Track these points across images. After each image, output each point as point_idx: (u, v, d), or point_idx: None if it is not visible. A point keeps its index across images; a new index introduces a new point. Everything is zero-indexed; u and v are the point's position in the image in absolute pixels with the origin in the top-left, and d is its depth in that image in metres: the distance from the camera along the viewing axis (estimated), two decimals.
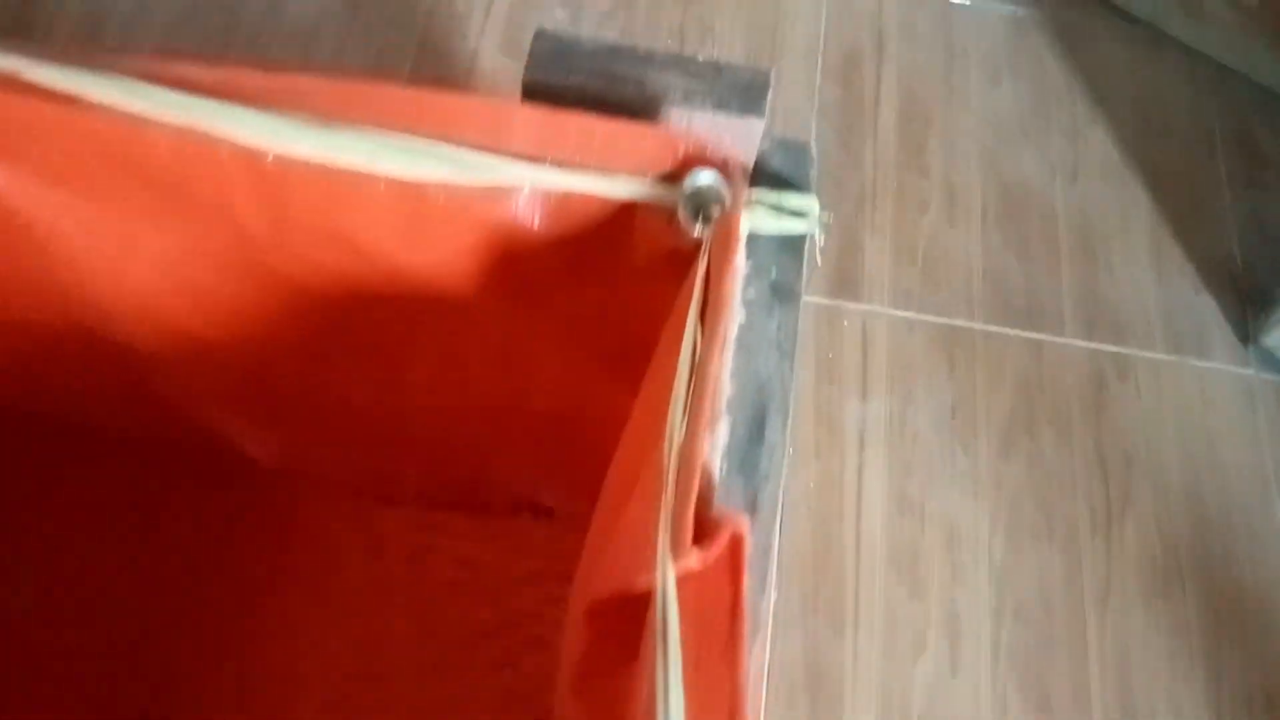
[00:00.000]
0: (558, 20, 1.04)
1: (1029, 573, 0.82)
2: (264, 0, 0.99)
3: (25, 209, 0.45)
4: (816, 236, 0.44)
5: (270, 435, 0.68)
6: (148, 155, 0.40)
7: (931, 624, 0.80)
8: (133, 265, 0.48)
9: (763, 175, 0.45)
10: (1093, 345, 0.93)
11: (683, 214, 0.38)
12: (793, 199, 0.42)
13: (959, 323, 0.93)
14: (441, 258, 0.42)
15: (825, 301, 0.94)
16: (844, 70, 1.05)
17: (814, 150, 0.46)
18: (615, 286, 0.43)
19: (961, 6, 1.11)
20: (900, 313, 0.94)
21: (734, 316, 0.37)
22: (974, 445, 0.88)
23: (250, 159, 0.39)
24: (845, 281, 0.95)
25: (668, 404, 0.34)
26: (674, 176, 0.38)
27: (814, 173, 0.45)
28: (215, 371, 0.58)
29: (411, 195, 0.40)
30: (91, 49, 0.39)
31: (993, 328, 0.93)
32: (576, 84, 0.41)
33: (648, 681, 0.32)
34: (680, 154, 0.37)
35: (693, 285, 0.37)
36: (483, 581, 0.73)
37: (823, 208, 0.45)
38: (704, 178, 0.37)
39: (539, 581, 0.72)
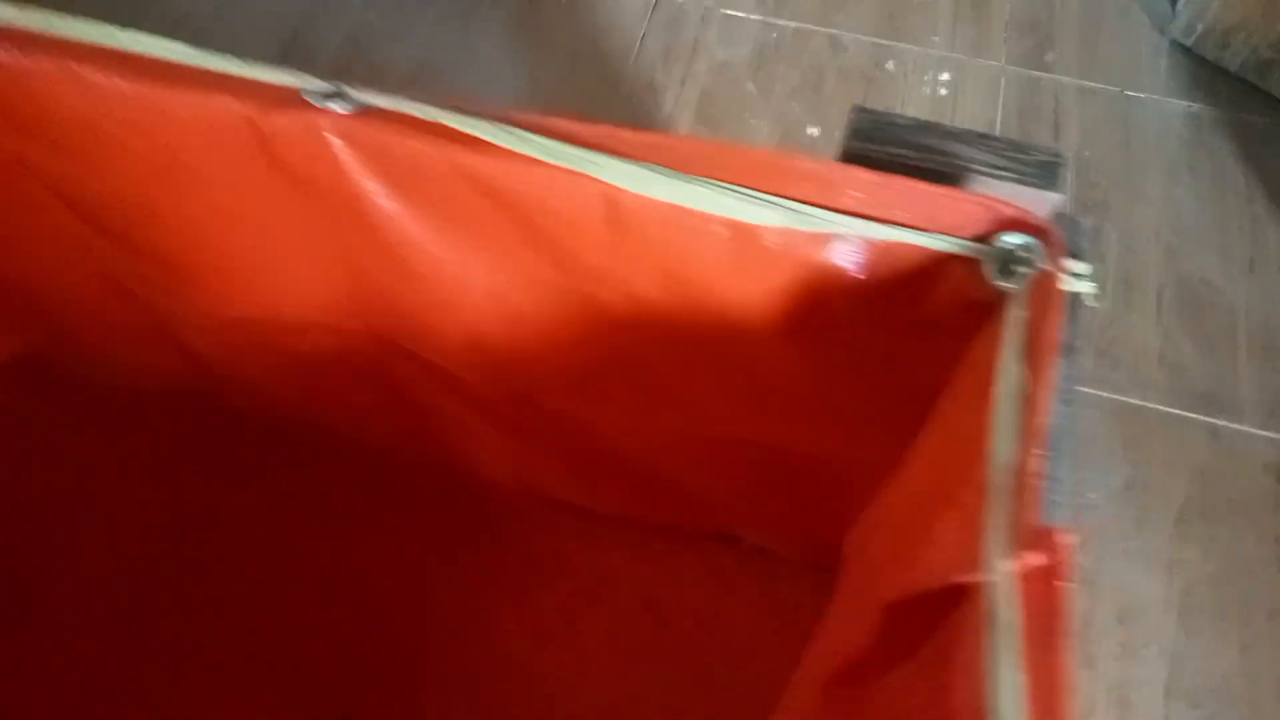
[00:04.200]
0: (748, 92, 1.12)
1: (1205, 658, 0.83)
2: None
3: (408, 234, 0.53)
4: (1091, 300, 0.49)
5: (511, 456, 0.74)
6: (519, 190, 0.48)
7: (1099, 695, 0.82)
8: (470, 292, 0.55)
9: None
10: (1273, 435, 0.94)
11: (989, 269, 0.44)
12: (1076, 264, 0.47)
13: (1134, 401, 0.96)
14: (760, 294, 0.48)
15: None
16: None
17: (1085, 224, 0.52)
18: (908, 335, 0.48)
19: (1138, 100, 1.15)
20: (1077, 388, 0.97)
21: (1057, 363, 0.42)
22: (1149, 523, 0.89)
23: (612, 198, 0.46)
24: None
25: (978, 436, 0.39)
26: (984, 238, 0.44)
27: (1085, 241, 0.51)
28: (490, 391, 0.65)
29: (746, 237, 0.46)
30: (483, 102, 0.47)
31: (1170, 409, 0.96)
32: (889, 153, 0.47)
33: (969, 675, 0.36)
34: (996, 218, 0.43)
35: (997, 333, 0.42)
36: (686, 605, 0.77)
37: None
38: (1014, 239, 0.43)
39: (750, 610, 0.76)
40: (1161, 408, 0.96)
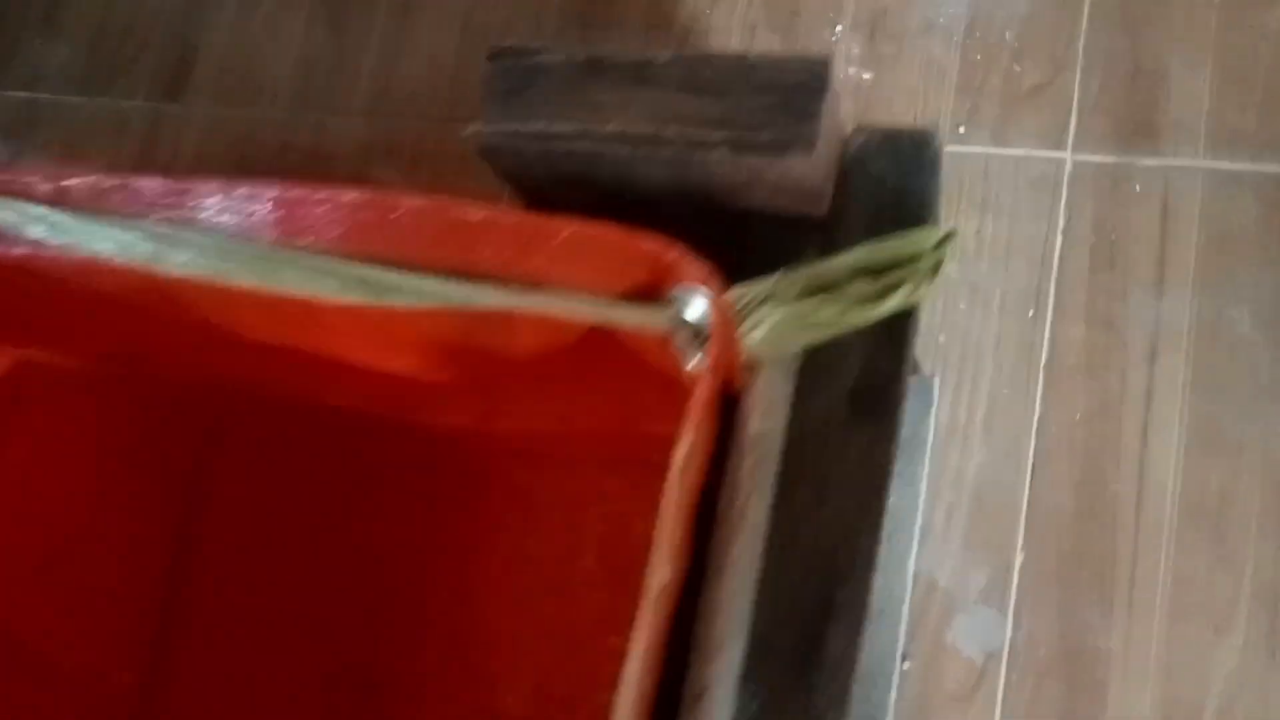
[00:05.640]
0: None
1: None
2: None
3: None
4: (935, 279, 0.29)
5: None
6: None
7: (1242, 598, 0.63)
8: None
9: (856, 202, 0.30)
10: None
11: (677, 342, 0.26)
12: (923, 237, 0.27)
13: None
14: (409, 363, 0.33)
15: (1108, 160, 0.70)
16: None
17: (937, 142, 0.30)
18: (630, 399, 0.32)
19: None
20: (1224, 165, 0.68)
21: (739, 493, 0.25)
22: None
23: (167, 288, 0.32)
24: (1139, 129, 0.70)
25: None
26: (656, 294, 0.26)
27: (935, 181, 0.30)
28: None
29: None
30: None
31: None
32: (538, 132, 0.29)
33: None
34: (661, 265, 0.25)
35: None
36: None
37: (951, 225, 0.29)
38: (696, 304, 0.25)
39: None
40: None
